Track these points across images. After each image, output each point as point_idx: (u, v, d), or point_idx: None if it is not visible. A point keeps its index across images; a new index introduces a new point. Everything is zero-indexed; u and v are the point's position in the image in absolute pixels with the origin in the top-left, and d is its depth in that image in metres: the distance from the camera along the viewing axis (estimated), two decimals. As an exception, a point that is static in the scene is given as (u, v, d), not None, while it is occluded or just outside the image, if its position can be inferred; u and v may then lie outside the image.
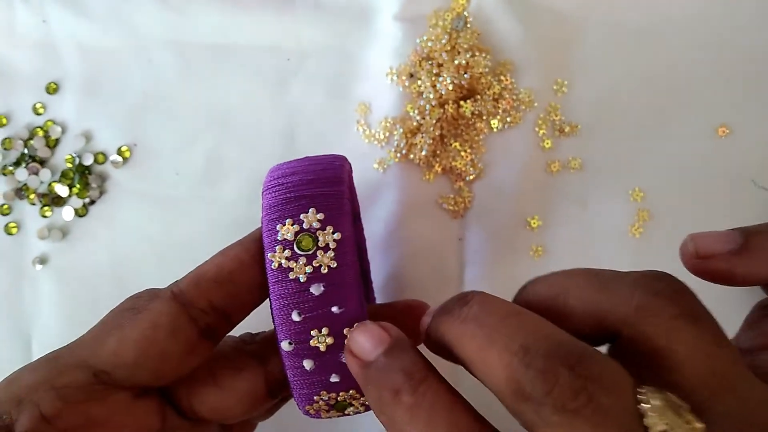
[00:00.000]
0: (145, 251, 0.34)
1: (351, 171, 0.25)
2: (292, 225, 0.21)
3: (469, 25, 0.33)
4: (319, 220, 0.21)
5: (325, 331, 0.20)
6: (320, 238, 0.21)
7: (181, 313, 0.21)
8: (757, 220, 0.32)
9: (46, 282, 0.34)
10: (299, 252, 0.21)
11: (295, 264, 0.20)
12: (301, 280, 0.20)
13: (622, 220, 0.33)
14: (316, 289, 0.20)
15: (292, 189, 0.21)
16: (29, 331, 0.34)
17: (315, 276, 0.20)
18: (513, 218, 0.33)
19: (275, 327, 0.21)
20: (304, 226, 0.21)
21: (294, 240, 0.21)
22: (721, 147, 0.33)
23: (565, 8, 0.34)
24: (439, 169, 0.33)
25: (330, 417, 0.23)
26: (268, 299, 0.22)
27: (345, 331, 0.20)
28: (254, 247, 0.22)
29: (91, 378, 0.21)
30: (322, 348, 0.21)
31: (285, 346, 0.21)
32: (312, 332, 0.20)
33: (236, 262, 0.22)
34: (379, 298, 0.33)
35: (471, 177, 0.33)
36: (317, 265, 0.20)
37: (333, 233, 0.21)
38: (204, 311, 0.22)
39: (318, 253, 0.20)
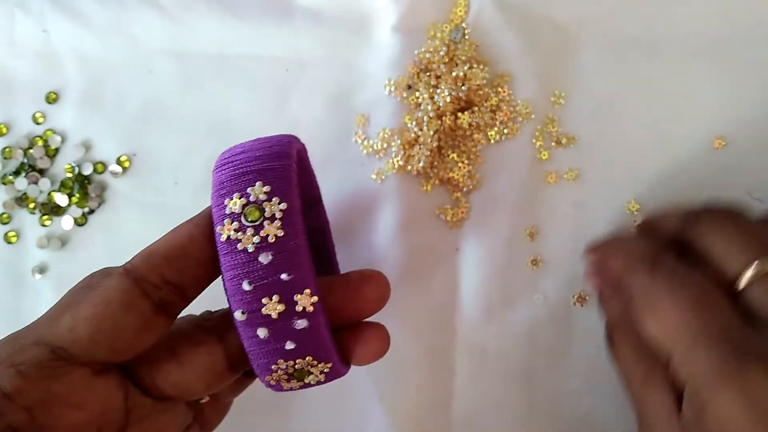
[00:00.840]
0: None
1: (305, 151, 0.26)
2: (239, 198, 0.21)
3: (467, 37, 0.34)
4: (265, 193, 0.21)
5: (275, 298, 0.21)
6: (266, 209, 0.21)
7: (133, 287, 0.22)
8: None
9: (46, 291, 0.35)
10: (246, 224, 0.21)
11: (243, 235, 0.21)
12: (250, 250, 0.21)
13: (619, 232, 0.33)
14: (264, 258, 0.21)
15: (241, 165, 0.22)
16: (28, 340, 0.34)
17: (263, 245, 0.21)
18: (510, 229, 0.33)
19: (228, 299, 0.22)
20: (251, 199, 0.21)
21: (241, 212, 0.21)
22: (717, 159, 0.33)
23: (563, 20, 0.34)
24: (437, 180, 0.33)
25: (291, 388, 0.24)
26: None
27: (295, 297, 0.21)
28: (204, 222, 0.23)
29: (49, 354, 0.21)
30: (274, 315, 0.21)
31: (238, 316, 0.21)
32: (263, 300, 0.21)
33: (186, 238, 0.23)
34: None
35: (468, 188, 0.33)
36: (264, 234, 0.21)
37: (279, 204, 0.21)
38: (157, 286, 0.22)
39: (265, 223, 0.21)
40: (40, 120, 0.36)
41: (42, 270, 0.35)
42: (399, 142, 0.33)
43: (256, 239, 0.21)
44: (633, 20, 0.34)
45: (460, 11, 0.34)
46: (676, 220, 0.27)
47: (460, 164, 0.33)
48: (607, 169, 0.33)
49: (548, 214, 0.33)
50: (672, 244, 0.27)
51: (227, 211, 0.21)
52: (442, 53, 0.33)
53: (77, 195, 0.35)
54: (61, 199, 0.35)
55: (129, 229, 0.35)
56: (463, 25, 0.34)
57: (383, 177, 0.33)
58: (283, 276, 0.21)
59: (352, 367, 0.25)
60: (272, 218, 0.21)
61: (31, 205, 0.35)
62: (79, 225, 0.35)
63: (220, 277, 0.22)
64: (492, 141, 0.33)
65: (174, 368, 0.23)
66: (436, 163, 0.33)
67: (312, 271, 0.22)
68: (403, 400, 0.33)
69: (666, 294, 0.24)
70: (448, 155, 0.33)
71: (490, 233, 0.33)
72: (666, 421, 0.24)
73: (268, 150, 0.23)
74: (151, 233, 0.34)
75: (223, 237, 0.21)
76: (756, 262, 0.23)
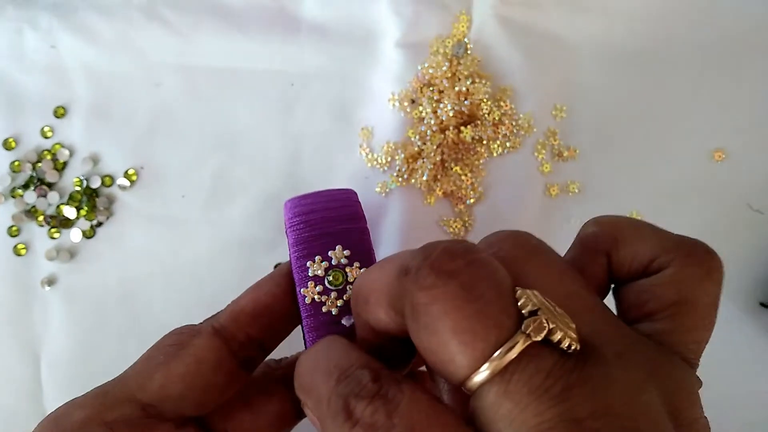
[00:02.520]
0: (153, 272, 0.35)
1: (361, 205, 0.27)
2: (321, 262, 0.22)
3: (469, 52, 0.34)
4: (345, 257, 0.22)
5: None
6: (349, 274, 0.22)
7: (223, 347, 0.22)
8: (752, 243, 0.33)
9: (55, 303, 0.35)
10: (330, 287, 0.22)
11: (326, 298, 0.22)
12: (333, 313, 0.22)
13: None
14: (347, 321, 0.22)
15: (317, 227, 0.23)
16: (38, 352, 0.35)
17: (345, 309, 0.22)
18: (513, 241, 0.34)
19: None
20: (333, 262, 0.22)
21: (324, 276, 0.22)
22: (717, 171, 0.33)
23: (564, 34, 0.34)
24: (440, 193, 0.34)
25: None
26: (298, 328, 0.23)
27: None
28: (285, 281, 0.23)
29: (140, 412, 0.22)
30: None
31: None
32: None
33: (270, 297, 0.23)
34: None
35: (471, 200, 0.34)
36: (347, 298, 0.22)
37: (360, 268, 0.22)
38: (243, 344, 0.23)
39: (347, 287, 0.22)
40: (49, 134, 0.36)
41: (51, 282, 0.35)
42: (403, 155, 0.33)
43: (339, 303, 0.22)
44: (633, 34, 0.34)
45: (463, 27, 0.34)
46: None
47: (463, 177, 0.33)
48: (608, 181, 0.34)
49: (550, 226, 0.34)
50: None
51: (310, 273, 0.22)
52: (444, 68, 0.33)
53: (86, 208, 0.35)
54: (69, 211, 0.35)
55: (137, 241, 0.35)
56: (466, 40, 0.34)
57: (387, 190, 0.34)
58: None
59: None
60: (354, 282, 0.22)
61: (40, 218, 0.35)
62: (88, 237, 0.35)
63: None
64: (494, 154, 0.34)
65: (248, 417, 0.24)
66: (439, 176, 0.34)
67: None
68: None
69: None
70: (452, 168, 0.34)
71: (492, 245, 0.34)
72: None
73: (341, 210, 0.24)
74: (159, 245, 0.35)
75: (308, 299, 0.22)
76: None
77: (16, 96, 0.36)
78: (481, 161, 0.34)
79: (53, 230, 0.35)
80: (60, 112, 0.36)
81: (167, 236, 0.35)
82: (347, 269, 0.22)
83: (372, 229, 0.34)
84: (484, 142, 0.33)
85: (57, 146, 0.36)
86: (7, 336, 0.35)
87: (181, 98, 0.36)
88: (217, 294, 0.26)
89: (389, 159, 0.34)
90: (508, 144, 0.34)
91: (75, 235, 0.35)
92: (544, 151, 0.34)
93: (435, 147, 0.33)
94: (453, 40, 0.34)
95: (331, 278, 0.22)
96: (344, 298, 0.22)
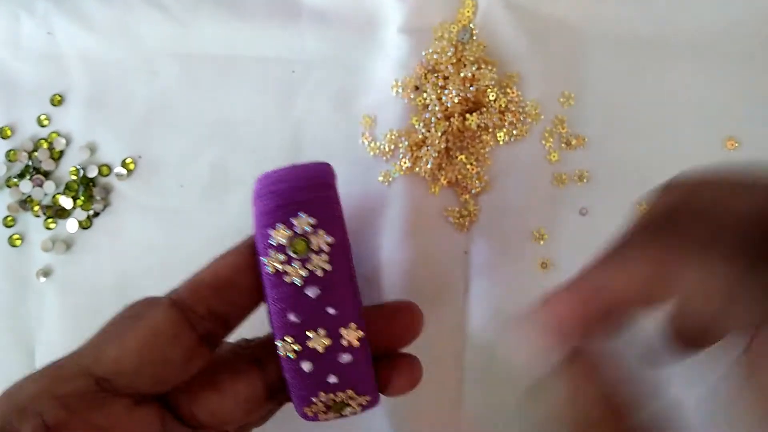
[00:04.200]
0: (150, 263, 0.34)
1: (336, 178, 0.26)
2: (284, 230, 0.21)
3: (474, 37, 0.33)
4: (311, 224, 0.21)
5: (322, 332, 0.21)
6: (313, 242, 0.21)
7: (180, 319, 0.22)
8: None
9: (50, 294, 0.34)
10: (293, 256, 0.21)
11: (290, 268, 0.21)
12: (297, 283, 0.21)
13: (630, 234, 0.32)
14: (312, 292, 0.21)
15: (283, 196, 0.22)
16: (33, 343, 0.34)
17: (310, 279, 0.21)
18: (519, 231, 0.33)
19: (273, 330, 0.21)
20: (297, 230, 0.21)
21: (287, 244, 0.21)
22: (729, 160, 0.33)
23: (572, 20, 0.34)
24: (445, 182, 0.33)
25: (327, 419, 0.24)
26: (263, 303, 0.22)
27: (341, 331, 0.21)
28: (248, 252, 0.22)
29: (93, 386, 0.21)
30: (320, 349, 0.21)
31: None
32: (309, 334, 0.21)
33: (232, 268, 0.22)
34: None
35: (477, 190, 0.33)
36: (312, 268, 0.21)
37: (326, 236, 0.21)
38: (203, 317, 0.22)
39: (312, 256, 0.21)
40: (45, 122, 0.35)
41: (47, 273, 0.34)
42: (406, 143, 0.32)
43: (303, 272, 0.21)
44: (642, 20, 0.33)
45: (468, 11, 0.33)
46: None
47: (468, 166, 0.32)
48: (617, 170, 0.33)
49: (558, 216, 0.33)
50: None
51: (273, 242, 0.21)
52: (449, 54, 0.32)
53: (82, 198, 0.35)
54: (65, 201, 0.35)
55: (134, 232, 0.35)
56: (471, 25, 0.33)
57: (390, 179, 0.33)
58: (330, 310, 0.21)
59: None
60: (319, 251, 0.21)
61: (36, 208, 0.35)
62: (84, 228, 0.35)
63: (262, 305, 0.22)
64: (501, 142, 0.33)
65: (214, 397, 0.23)
66: (444, 164, 0.33)
67: (359, 306, 0.22)
68: (410, 406, 0.33)
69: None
70: (456, 157, 0.33)
71: (499, 236, 0.33)
72: None
73: (310, 180, 0.22)
74: (156, 235, 0.34)
75: (270, 269, 0.21)
76: None
77: (12, 83, 0.36)
78: (486, 149, 0.33)
79: (49, 220, 0.35)
80: (57, 100, 0.35)
81: (165, 226, 0.34)
82: (311, 237, 0.21)
83: (375, 218, 0.33)
84: (490, 130, 0.33)
85: (54, 135, 0.35)
86: (1, 328, 0.34)
87: (179, 86, 0.35)
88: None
89: (392, 147, 0.33)
90: (514, 132, 0.33)
91: (71, 225, 0.35)
92: (551, 140, 0.33)
93: (440, 134, 0.32)
94: (458, 26, 0.33)
95: (293, 246, 0.21)
96: (308, 267, 0.21)
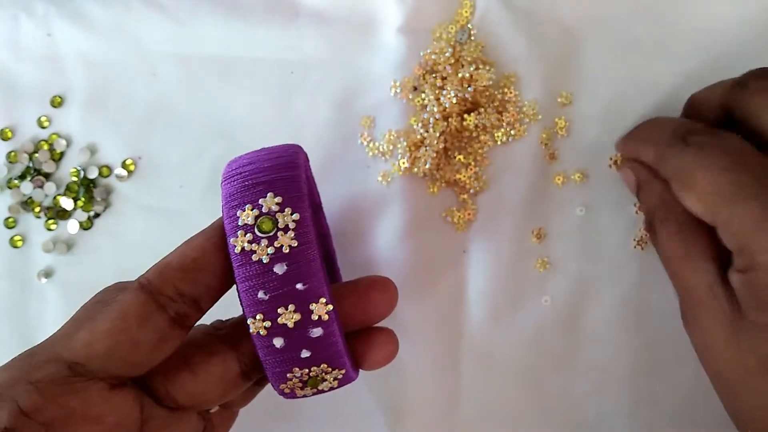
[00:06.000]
0: (150, 264, 0.34)
1: (307, 160, 0.26)
2: (251, 210, 0.22)
3: (472, 38, 0.33)
4: (277, 204, 0.22)
5: (291, 308, 0.21)
6: (279, 220, 0.21)
7: (149, 301, 0.22)
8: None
9: (52, 295, 0.35)
10: (260, 234, 0.21)
11: (257, 246, 0.21)
12: (264, 261, 0.21)
13: (628, 233, 0.33)
14: (279, 269, 0.21)
15: (250, 177, 0.22)
16: (34, 344, 0.34)
17: (277, 256, 0.21)
18: (517, 231, 0.33)
19: (243, 309, 0.22)
20: (264, 210, 0.22)
21: (254, 224, 0.21)
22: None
23: (570, 20, 0.34)
24: (443, 182, 0.33)
25: (305, 395, 0.24)
26: (235, 285, 0.22)
27: (310, 306, 0.21)
28: (216, 234, 0.23)
29: (66, 371, 0.21)
30: (290, 324, 0.21)
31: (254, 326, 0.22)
32: (279, 310, 0.21)
33: (199, 250, 0.23)
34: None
35: (475, 190, 0.33)
36: (279, 245, 0.21)
37: (292, 214, 0.22)
38: (172, 299, 0.22)
39: (279, 234, 0.21)
40: (45, 124, 0.36)
41: (48, 274, 0.35)
42: (405, 144, 0.33)
43: (270, 250, 0.21)
44: (640, 20, 0.33)
45: (466, 12, 0.34)
46: (720, 91, 0.27)
47: (466, 166, 0.33)
48: (614, 170, 0.33)
49: (555, 216, 0.33)
50: (719, 118, 0.27)
51: (240, 223, 0.22)
52: (447, 54, 0.33)
53: (83, 199, 0.35)
54: (66, 203, 0.35)
55: (134, 233, 0.35)
56: (469, 25, 0.33)
57: (389, 179, 0.33)
58: (298, 285, 0.21)
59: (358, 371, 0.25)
60: (285, 229, 0.21)
61: (37, 209, 0.35)
62: (85, 229, 0.35)
63: (234, 287, 0.22)
64: (499, 142, 0.33)
65: (188, 378, 0.23)
66: (442, 165, 0.33)
67: (326, 280, 0.22)
68: (408, 404, 0.33)
69: (699, 162, 0.24)
70: (455, 157, 0.33)
71: (497, 235, 0.33)
72: (708, 290, 0.24)
73: (276, 161, 0.23)
74: (157, 236, 0.34)
75: (237, 248, 0.21)
76: None
77: (12, 85, 0.36)
78: (485, 149, 0.33)
79: (50, 222, 0.35)
80: (57, 101, 0.36)
81: (165, 227, 0.34)
82: (278, 216, 0.21)
83: (373, 218, 0.33)
84: (488, 130, 0.33)
85: (54, 136, 0.35)
86: (2, 329, 0.34)
87: (179, 87, 0.35)
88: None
89: (391, 147, 0.33)
90: (512, 132, 0.33)
91: (72, 226, 0.35)
92: (549, 140, 0.33)
93: (438, 135, 0.32)
94: (456, 26, 0.33)
95: (260, 225, 0.21)
96: (275, 245, 0.21)
